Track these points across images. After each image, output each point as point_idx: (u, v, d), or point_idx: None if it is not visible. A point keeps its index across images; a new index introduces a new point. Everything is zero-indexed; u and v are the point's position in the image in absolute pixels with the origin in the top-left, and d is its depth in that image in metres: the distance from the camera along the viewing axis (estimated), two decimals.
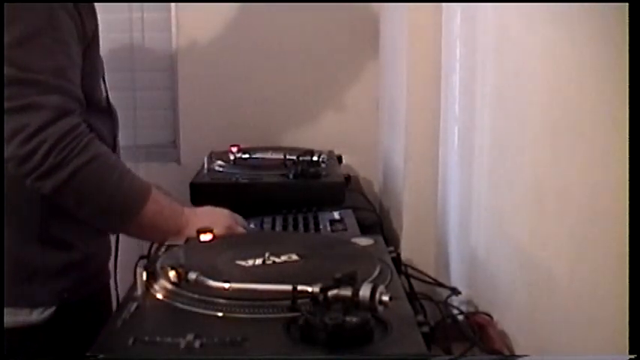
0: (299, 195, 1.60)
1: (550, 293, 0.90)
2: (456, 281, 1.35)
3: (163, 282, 0.94)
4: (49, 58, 1.17)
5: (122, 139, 1.45)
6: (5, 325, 1.21)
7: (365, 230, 1.41)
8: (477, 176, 1.26)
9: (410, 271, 1.19)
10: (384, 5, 2.05)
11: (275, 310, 0.86)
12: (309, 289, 0.84)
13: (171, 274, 0.93)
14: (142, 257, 1.09)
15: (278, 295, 0.87)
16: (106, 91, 1.37)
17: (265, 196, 1.62)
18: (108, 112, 1.36)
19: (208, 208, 1.34)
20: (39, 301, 1.26)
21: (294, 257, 1.06)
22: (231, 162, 1.78)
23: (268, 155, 1.81)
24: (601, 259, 0.74)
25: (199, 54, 2.17)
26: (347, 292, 0.80)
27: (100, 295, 1.38)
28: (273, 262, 1.04)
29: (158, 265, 1.01)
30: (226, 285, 0.90)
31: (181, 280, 0.93)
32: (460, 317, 1.10)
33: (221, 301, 0.88)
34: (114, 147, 1.36)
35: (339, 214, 1.50)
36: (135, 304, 0.90)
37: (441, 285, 1.27)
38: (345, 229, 1.41)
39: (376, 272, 0.99)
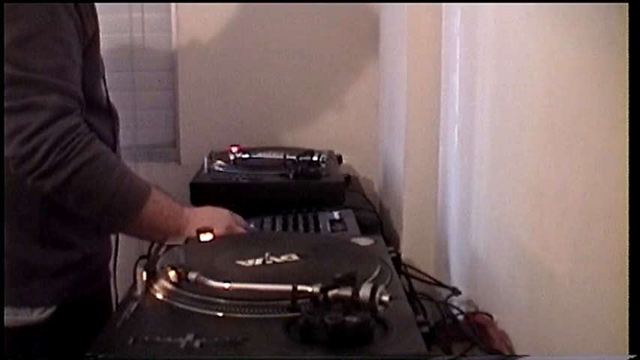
0: (299, 195, 1.60)
1: (550, 293, 0.90)
2: (455, 281, 1.35)
3: (163, 282, 0.94)
4: (49, 57, 1.17)
5: (122, 139, 1.45)
6: (5, 325, 1.22)
7: (365, 230, 1.41)
8: (476, 176, 1.26)
9: (410, 271, 1.19)
10: (384, 5, 2.05)
11: (275, 310, 0.86)
12: (309, 289, 0.84)
13: (171, 274, 0.93)
14: (142, 257, 1.09)
15: (278, 295, 0.87)
16: (106, 91, 1.37)
17: (265, 196, 1.62)
18: (108, 111, 1.36)
19: (208, 208, 1.35)
20: (39, 301, 1.26)
21: (294, 257, 1.06)
22: (231, 162, 1.78)
23: (268, 155, 1.81)
24: (601, 259, 0.74)
25: (199, 54, 2.17)
26: (347, 292, 0.80)
27: (100, 294, 1.38)
28: (273, 262, 1.03)
29: (158, 265, 1.01)
30: (226, 285, 0.90)
31: (181, 280, 0.93)
32: (460, 317, 1.10)
33: (221, 301, 0.88)
34: (114, 147, 1.36)
35: (339, 214, 1.50)
36: (135, 304, 0.90)
37: (441, 285, 1.27)
38: (345, 229, 1.41)
39: (376, 272, 0.99)
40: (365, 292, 0.80)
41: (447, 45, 1.46)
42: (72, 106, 1.19)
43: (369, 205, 1.77)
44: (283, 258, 1.05)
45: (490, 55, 1.18)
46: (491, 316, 1.12)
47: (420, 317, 0.87)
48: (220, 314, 0.87)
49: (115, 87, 1.42)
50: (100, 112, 1.33)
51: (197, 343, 0.79)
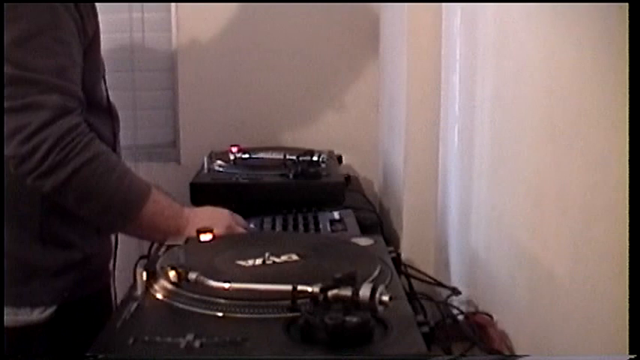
0: (299, 195, 1.60)
1: (550, 293, 0.90)
2: (455, 281, 1.35)
3: (163, 282, 0.94)
4: (50, 57, 1.17)
5: (122, 139, 1.45)
6: (5, 325, 1.22)
7: (365, 230, 1.41)
8: (476, 176, 1.26)
9: (410, 271, 1.19)
10: (384, 5, 2.05)
11: (275, 310, 0.86)
12: (309, 289, 0.84)
13: (171, 274, 0.93)
14: (142, 257, 1.09)
15: (278, 295, 0.87)
16: (107, 91, 1.37)
17: (265, 196, 1.62)
18: (108, 111, 1.36)
19: (208, 208, 1.35)
20: (39, 301, 1.26)
21: (294, 257, 1.06)
22: (231, 162, 1.78)
23: (268, 155, 1.81)
24: (601, 259, 0.74)
25: (199, 54, 2.17)
26: (347, 292, 0.80)
27: (101, 294, 1.38)
28: (273, 262, 1.04)
29: (158, 265, 1.01)
30: (226, 285, 0.90)
31: (181, 280, 0.93)
32: (460, 317, 1.10)
33: (221, 301, 0.88)
34: (114, 147, 1.36)
35: (339, 214, 1.50)
36: (135, 304, 0.90)
37: (441, 285, 1.27)
38: (345, 229, 1.41)
39: (376, 272, 0.99)
40: (365, 292, 0.80)
41: (447, 45, 1.46)
42: (72, 105, 1.19)
43: (369, 205, 1.77)
44: (283, 258, 1.05)
45: (490, 55, 1.18)
46: (491, 316, 1.12)
47: (420, 317, 0.87)
48: (220, 314, 0.87)
49: (115, 87, 1.42)
50: (101, 112, 1.33)
51: (197, 343, 0.79)
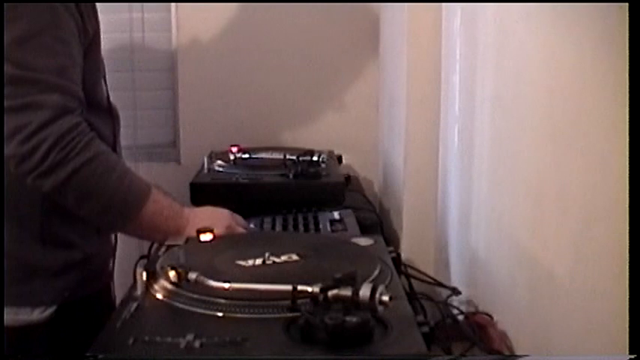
0: (299, 195, 1.60)
1: (550, 293, 0.90)
2: (455, 281, 1.35)
3: (163, 282, 0.94)
4: (50, 57, 1.17)
5: (122, 139, 1.45)
6: (6, 324, 1.22)
7: (365, 230, 1.41)
8: (476, 176, 1.26)
9: (410, 271, 1.19)
10: (384, 5, 2.05)
11: (275, 310, 0.86)
12: (309, 289, 0.84)
13: (171, 274, 0.93)
14: (142, 257, 1.09)
15: (278, 295, 0.87)
16: (107, 91, 1.37)
17: (265, 196, 1.62)
18: (109, 111, 1.36)
19: (208, 208, 1.35)
20: (40, 300, 1.26)
21: (294, 257, 1.06)
22: (231, 162, 1.78)
23: (268, 155, 1.81)
24: (601, 259, 0.74)
25: (199, 54, 2.17)
26: (347, 292, 0.80)
27: (101, 294, 1.38)
28: (273, 262, 1.04)
29: (158, 265, 1.01)
30: (226, 285, 0.90)
31: (181, 280, 0.93)
32: (460, 317, 1.10)
33: (221, 301, 0.88)
34: (114, 147, 1.36)
35: (339, 214, 1.50)
36: (135, 304, 0.90)
37: (441, 285, 1.27)
38: (345, 229, 1.41)
39: (376, 272, 0.99)
40: (365, 292, 0.80)
41: (447, 45, 1.46)
42: (72, 105, 1.19)
43: (369, 205, 1.77)
44: (283, 258, 1.05)
45: (490, 55, 1.18)
46: (491, 316, 1.12)
47: (420, 317, 0.87)
48: (220, 314, 0.87)
49: (115, 87, 1.42)
50: (101, 112, 1.33)
51: (197, 343, 0.79)
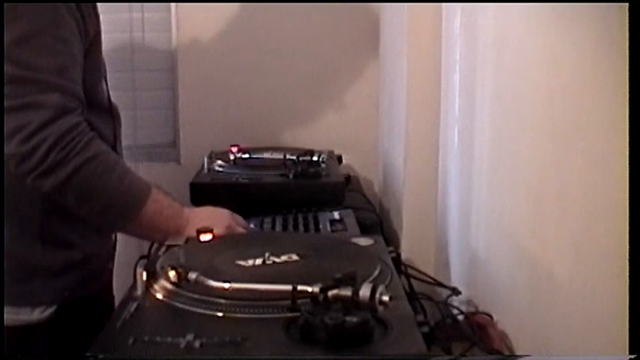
0: (299, 195, 1.60)
1: (550, 293, 0.90)
2: (455, 281, 1.35)
3: (163, 282, 0.94)
4: (50, 56, 1.17)
5: (122, 139, 1.45)
6: (6, 324, 1.22)
7: (365, 230, 1.41)
8: (476, 176, 1.26)
9: (410, 271, 1.19)
10: (384, 5, 2.05)
11: (275, 310, 0.86)
12: (309, 289, 0.84)
13: (171, 274, 0.93)
14: (142, 257, 1.09)
15: (278, 295, 0.87)
16: (108, 91, 1.37)
17: (265, 196, 1.62)
18: (109, 111, 1.36)
19: (208, 208, 1.35)
20: (40, 300, 1.26)
21: (294, 257, 1.06)
22: (231, 162, 1.79)
23: (268, 155, 1.81)
24: (601, 260, 0.74)
25: (199, 54, 2.17)
26: (347, 292, 0.81)
27: (101, 294, 1.38)
28: (273, 262, 1.04)
29: (158, 265, 1.01)
30: (226, 285, 0.90)
31: (181, 280, 0.93)
32: (460, 317, 1.10)
33: (221, 301, 0.88)
34: (115, 147, 1.36)
35: (339, 214, 1.50)
36: (135, 304, 0.90)
37: (441, 285, 1.27)
38: (345, 229, 1.41)
39: (376, 272, 0.99)
40: (365, 292, 0.80)
41: (447, 45, 1.46)
42: (72, 105, 1.19)
43: (369, 205, 1.77)
44: (283, 258, 1.05)
45: (490, 55, 1.18)
46: (491, 316, 1.12)
47: (420, 317, 0.87)
48: (220, 314, 0.87)
49: (115, 87, 1.42)
50: (102, 112, 1.33)
51: (197, 343, 0.79)
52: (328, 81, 2.20)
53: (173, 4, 2.15)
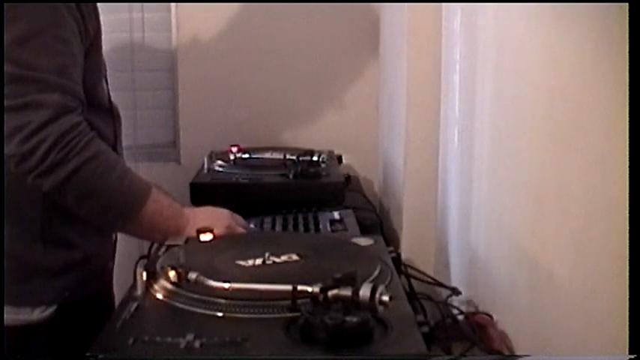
0: (299, 195, 1.60)
1: (550, 293, 0.90)
2: (456, 281, 1.35)
3: (163, 282, 0.94)
4: (50, 56, 1.17)
5: (122, 139, 1.45)
6: (6, 324, 1.22)
7: (365, 230, 1.41)
8: (476, 176, 1.26)
9: (410, 271, 1.19)
10: (384, 5, 2.05)
11: (275, 310, 0.86)
12: (309, 289, 0.84)
13: (171, 274, 0.93)
14: (142, 257, 1.09)
15: (278, 295, 0.87)
16: (108, 91, 1.37)
17: (265, 196, 1.62)
18: (110, 111, 1.36)
19: (208, 208, 1.35)
20: (40, 300, 1.26)
21: (294, 257, 1.06)
22: (231, 162, 1.79)
23: (268, 155, 1.81)
24: (601, 259, 0.74)
25: (199, 54, 2.17)
26: (347, 292, 0.81)
27: (101, 294, 1.38)
28: (273, 262, 1.04)
29: (158, 265, 1.01)
30: (226, 285, 0.90)
31: (181, 280, 0.93)
32: (460, 317, 1.10)
33: (221, 301, 0.88)
34: (115, 147, 1.36)
35: (339, 214, 1.50)
36: (135, 304, 0.90)
37: (441, 285, 1.27)
38: (345, 229, 1.41)
39: (376, 272, 0.99)
40: (365, 292, 0.80)
41: (447, 45, 1.46)
42: (73, 105, 1.19)
43: (369, 205, 1.77)
44: (283, 258, 1.05)
45: (490, 55, 1.18)
46: (491, 316, 1.12)
47: (420, 317, 0.87)
48: (220, 314, 0.87)
49: (115, 87, 1.42)
50: (102, 112, 1.33)
51: (197, 343, 0.79)
52: (328, 81, 2.20)
53: (173, 4, 2.15)
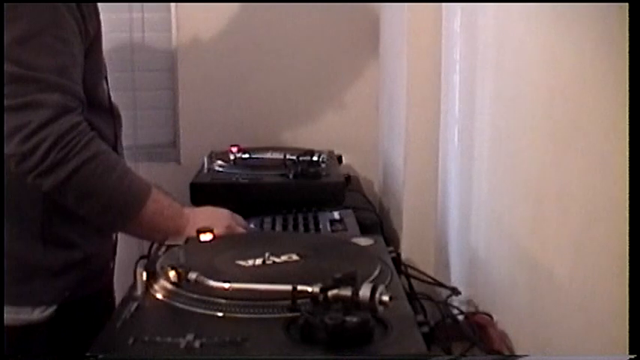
0: (299, 195, 1.60)
1: (550, 293, 0.90)
2: (456, 281, 1.35)
3: (163, 282, 0.94)
4: (51, 56, 1.17)
5: (123, 139, 1.45)
6: (6, 323, 1.22)
7: (365, 230, 1.41)
8: (476, 176, 1.26)
9: (410, 271, 1.19)
10: (384, 5, 2.05)
11: (275, 310, 0.86)
12: (309, 289, 0.84)
13: (171, 274, 0.93)
14: (142, 257, 1.09)
15: (278, 295, 0.87)
16: (109, 92, 1.37)
17: (265, 196, 1.62)
18: (110, 111, 1.36)
19: (208, 208, 1.35)
20: (40, 300, 1.26)
21: (294, 257, 1.06)
22: (231, 162, 1.79)
23: (268, 155, 1.81)
24: (601, 260, 0.74)
25: (199, 54, 2.17)
26: (347, 292, 0.81)
27: (101, 294, 1.38)
28: (273, 262, 1.04)
29: (158, 265, 1.01)
30: (226, 285, 0.90)
31: (181, 280, 0.93)
32: (460, 317, 1.10)
33: (221, 301, 0.88)
34: (116, 147, 1.36)
35: (339, 214, 1.50)
36: (135, 304, 0.90)
37: (441, 285, 1.27)
38: (345, 229, 1.41)
39: (376, 272, 0.99)
40: (365, 292, 0.80)
41: (447, 45, 1.46)
42: (73, 104, 1.19)
43: (369, 205, 1.77)
44: (283, 258, 1.05)
45: (490, 55, 1.18)
46: (491, 316, 1.12)
47: (420, 317, 0.87)
48: (220, 314, 0.87)
49: (115, 87, 1.42)
50: (102, 112, 1.33)
51: (197, 343, 0.79)
52: (328, 81, 2.20)
53: (173, 4, 2.15)
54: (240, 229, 1.33)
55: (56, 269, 1.28)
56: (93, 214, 1.23)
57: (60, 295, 1.28)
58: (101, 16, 1.30)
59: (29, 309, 1.25)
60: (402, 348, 0.79)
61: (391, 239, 1.61)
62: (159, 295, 0.93)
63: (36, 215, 1.26)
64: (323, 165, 1.72)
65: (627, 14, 0.65)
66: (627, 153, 0.66)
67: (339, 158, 1.97)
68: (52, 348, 1.26)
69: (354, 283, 0.82)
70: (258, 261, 1.03)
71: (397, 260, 1.12)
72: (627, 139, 0.66)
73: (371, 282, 0.86)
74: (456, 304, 1.16)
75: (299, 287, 0.85)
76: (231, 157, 1.80)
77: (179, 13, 2.16)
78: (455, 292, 1.19)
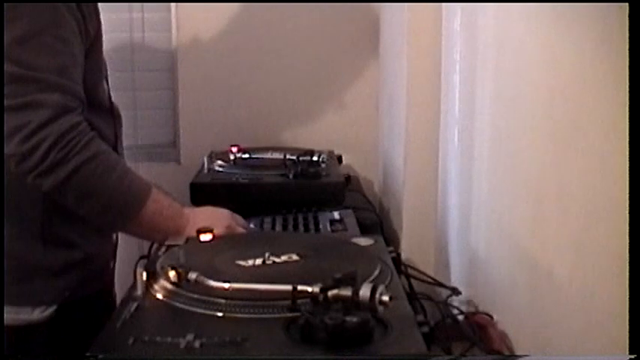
0: (299, 195, 1.60)
1: (550, 293, 0.90)
2: (456, 281, 1.35)
3: (163, 282, 0.94)
4: (51, 56, 1.17)
5: (123, 139, 1.45)
6: (6, 323, 1.22)
7: (365, 230, 1.41)
8: (476, 176, 1.26)
9: (410, 271, 1.19)
10: (384, 5, 2.05)
11: (275, 310, 0.86)
12: (309, 289, 0.84)
13: (171, 274, 0.93)
14: (142, 257, 1.09)
15: (278, 295, 0.87)
16: (109, 92, 1.37)
17: (265, 196, 1.62)
18: (110, 111, 1.36)
19: (208, 208, 1.35)
20: (40, 300, 1.26)
21: (294, 257, 1.06)
22: (231, 162, 1.79)
23: (268, 155, 1.81)
24: (601, 260, 0.74)
25: (199, 54, 2.17)
26: (347, 292, 0.81)
27: (102, 294, 1.38)
28: (273, 262, 1.04)
29: (158, 265, 1.01)
30: (226, 285, 0.90)
31: (181, 280, 0.93)
32: (460, 317, 1.10)
33: (221, 301, 0.88)
34: (116, 147, 1.36)
35: (339, 214, 1.50)
36: (135, 304, 0.90)
37: (441, 285, 1.27)
38: (345, 229, 1.41)
39: (376, 272, 0.99)
40: (365, 292, 0.80)
41: (447, 45, 1.46)
42: (73, 104, 1.19)
43: (369, 205, 1.77)
44: (283, 258, 1.05)
45: (490, 55, 1.18)
46: (491, 316, 1.12)
47: (420, 317, 0.87)
48: (220, 314, 0.87)
49: (115, 87, 1.42)
50: (102, 112, 1.33)
51: (197, 343, 0.79)
52: (328, 81, 2.20)
53: (173, 4, 2.15)
54: (240, 229, 1.33)
55: (56, 269, 1.28)
56: (93, 214, 1.23)
57: (60, 295, 1.28)
58: (101, 16, 1.30)
59: (29, 309, 1.25)
60: (402, 348, 0.79)
61: (391, 239, 1.61)
62: (159, 295, 0.93)
63: (36, 215, 1.26)
64: (323, 165, 1.72)
65: (627, 14, 0.65)
66: (627, 153, 0.66)
67: (339, 158, 1.97)
68: (52, 348, 1.26)
69: (354, 283, 0.82)
70: (258, 261, 1.03)
71: (397, 260, 1.12)
72: (627, 139, 0.66)
73: (371, 282, 0.86)
74: (456, 304, 1.16)
75: (299, 287, 0.85)
76: (231, 157, 1.80)
77: (179, 13, 2.16)
78: (455, 292, 1.19)
